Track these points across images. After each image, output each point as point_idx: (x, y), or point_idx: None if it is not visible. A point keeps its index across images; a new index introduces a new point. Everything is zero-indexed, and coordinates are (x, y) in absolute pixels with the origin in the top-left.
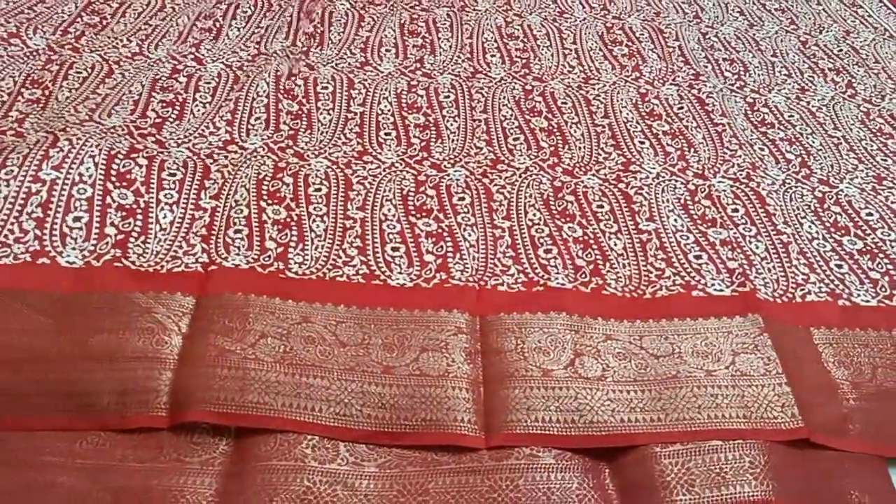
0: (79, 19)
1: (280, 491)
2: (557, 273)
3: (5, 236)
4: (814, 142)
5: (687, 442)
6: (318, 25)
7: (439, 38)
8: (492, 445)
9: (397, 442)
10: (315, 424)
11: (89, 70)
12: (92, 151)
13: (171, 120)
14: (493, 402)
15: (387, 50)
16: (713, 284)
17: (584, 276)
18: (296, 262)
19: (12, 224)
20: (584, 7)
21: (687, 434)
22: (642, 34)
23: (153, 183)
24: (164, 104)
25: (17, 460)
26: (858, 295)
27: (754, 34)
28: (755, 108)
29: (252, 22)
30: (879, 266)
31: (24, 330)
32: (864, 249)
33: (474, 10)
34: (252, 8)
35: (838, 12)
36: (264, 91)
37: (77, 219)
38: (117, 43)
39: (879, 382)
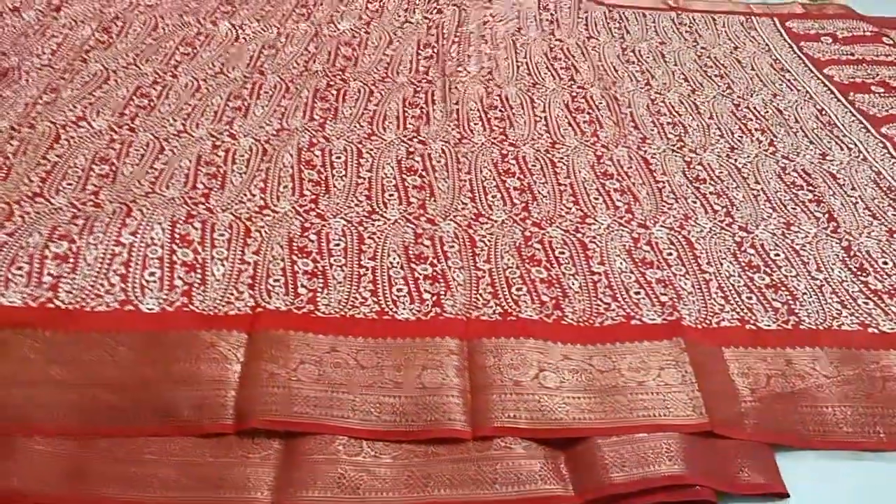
0: (131, 102)
1: (321, 477)
2: (527, 307)
3: (98, 289)
4: (738, 194)
5: (621, 434)
6: (333, 102)
7: (433, 109)
8: (476, 437)
9: (407, 438)
10: (344, 428)
11: (145, 148)
12: (159, 219)
13: (215, 189)
14: (477, 405)
15: (389, 123)
16: (648, 315)
17: (547, 309)
18: (323, 304)
19: (102, 279)
20: (553, 78)
21: (622, 429)
22: (601, 102)
23: (207, 243)
24: (209, 176)
25: (126, 458)
26: (762, 321)
27: (695, 99)
28: (691, 166)
29: (273, 101)
30: (781, 297)
31: (117, 362)
32: (769, 284)
33: (466, 73)
34: (273, 89)
35: (768, 76)
36: (289, 162)
37: (152, 274)
38: (165, 122)
39: (771, 388)
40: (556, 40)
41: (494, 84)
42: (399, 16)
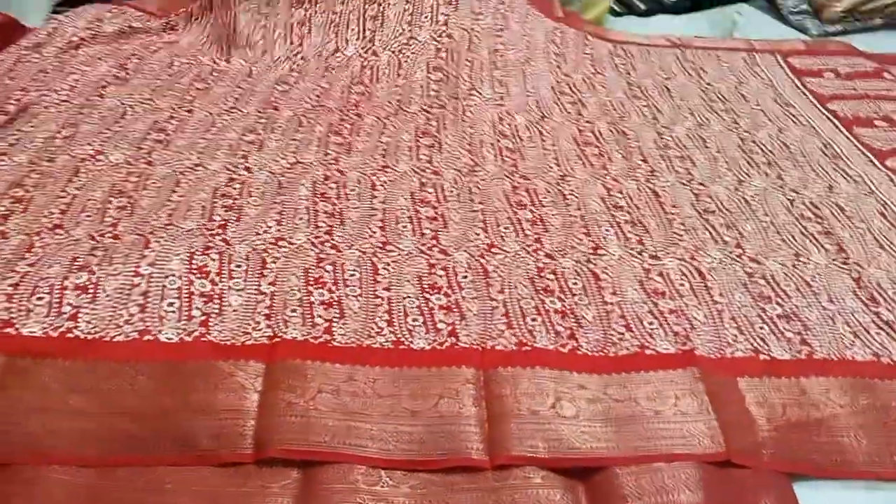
0: (148, 136)
1: None
2: (542, 337)
3: (117, 319)
4: (747, 226)
5: (640, 463)
6: (347, 136)
7: (445, 135)
8: (494, 465)
9: (425, 467)
10: (362, 457)
11: (162, 180)
12: (177, 251)
13: (232, 221)
14: (494, 434)
15: (402, 154)
16: (662, 345)
17: (562, 339)
18: (339, 334)
19: (122, 309)
20: (561, 112)
21: (639, 458)
22: (609, 136)
23: (224, 274)
24: (226, 209)
25: (144, 487)
26: (775, 351)
27: (702, 133)
28: (700, 198)
29: (286, 135)
30: (793, 327)
31: (136, 391)
32: (781, 314)
33: (480, 96)
34: (286, 123)
35: (773, 111)
36: (304, 195)
37: (170, 304)
38: (181, 157)
39: (787, 418)
40: (564, 75)
41: (505, 111)
42: (402, 29)
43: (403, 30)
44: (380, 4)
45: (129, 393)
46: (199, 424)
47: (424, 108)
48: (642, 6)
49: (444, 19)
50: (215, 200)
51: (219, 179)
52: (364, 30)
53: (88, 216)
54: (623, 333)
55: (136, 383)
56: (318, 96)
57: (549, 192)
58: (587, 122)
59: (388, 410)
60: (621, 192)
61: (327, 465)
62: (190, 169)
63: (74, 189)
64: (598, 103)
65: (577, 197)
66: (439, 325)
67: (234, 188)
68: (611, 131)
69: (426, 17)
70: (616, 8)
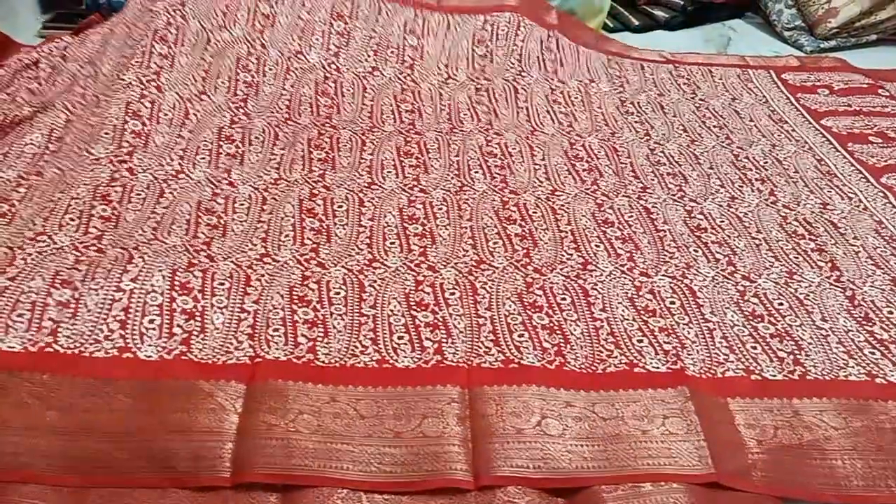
0: (125, 131)
1: None
2: (529, 353)
3: (97, 335)
4: (739, 243)
5: (627, 487)
6: (329, 152)
7: (430, 158)
8: (479, 486)
9: (407, 489)
10: (343, 480)
11: (146, 190)
12: (160, 267)
13: (217, 238)
14: (479, 454)
15: (388, 172)
16: (651, 363)
17: (549, 356)
18: (323, 353)
19: (101, 325)
20: (553, 124)
21: (626, 478)
22: (600, 151)
23: (207, 291)
24: (210, 227)
25: None
26: (767, 371)
27: (694, 149)
28: (692, 216)
29: (265, 148)
30: (786, 347)
31: (113, 409)
32: (774, 333)
33: (461, 130)
34: (262, 134)
35: (767, 128)
36: (290, 212)
37: (151, 321)
38: (161, 161)
39: (779, 440)
40: (559, 81)
41: (494, 132)
42: (367, 55)
43: (368, 56)
44: (346, 24)
45: (106, 411)
46: (177, 446)
47: (401, 130)
48: (636, 22)
49: (409, 62)
50: (200, 215)
51: (202, 192)
52: (329, 43)
53: (72, 219)
54: (612, 350)
55: (114, 401)
56: (286, 106)
57: (538, 206)
58: (577, 136)
59: (370, 431)
60: (612, 209)
61: (306, 488)
62: (172, 176)
63: (59, 194)
64: (590, 118)
65: (567, 212)
66: (425, 343)
67: (219, 203)
68: (602, 147)
69: (392, 52)
70: (610, 24)
